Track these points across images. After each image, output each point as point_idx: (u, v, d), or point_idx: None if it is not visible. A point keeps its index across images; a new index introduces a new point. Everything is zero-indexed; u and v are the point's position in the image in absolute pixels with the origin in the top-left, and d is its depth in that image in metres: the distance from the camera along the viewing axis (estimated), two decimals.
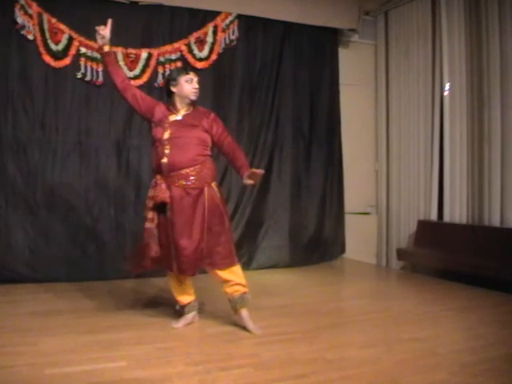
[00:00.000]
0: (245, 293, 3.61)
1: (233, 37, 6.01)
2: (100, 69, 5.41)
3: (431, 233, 5.95)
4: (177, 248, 3.49)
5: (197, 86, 3.61)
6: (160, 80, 5.66)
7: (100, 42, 3.55)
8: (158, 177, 3.53)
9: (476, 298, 4.64)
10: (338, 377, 2.80)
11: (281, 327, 3.71)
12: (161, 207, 3.52)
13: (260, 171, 3.49)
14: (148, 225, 3.56)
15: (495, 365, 2.98)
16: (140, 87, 5.54)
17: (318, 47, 6.57)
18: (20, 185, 5.18)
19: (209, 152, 3.63)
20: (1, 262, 5.02)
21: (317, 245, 6.54)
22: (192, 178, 3.49)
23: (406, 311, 4.23)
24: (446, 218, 5.93)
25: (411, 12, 6.40)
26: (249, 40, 6.17)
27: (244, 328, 3.60)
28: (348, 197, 6.82)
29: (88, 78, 5.40)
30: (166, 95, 3.71)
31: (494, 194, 5.34)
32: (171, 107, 3.63)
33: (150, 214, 3.55)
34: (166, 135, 3.50)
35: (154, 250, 3.54)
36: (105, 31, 3.55)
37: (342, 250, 6.76)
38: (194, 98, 3.60)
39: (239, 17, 6.02)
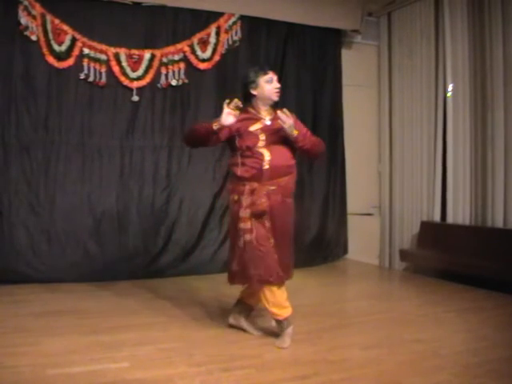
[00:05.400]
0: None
1: (236, 38, 6.00)
2: (103, 70, 5.42)
3: (434, 234, 5.94)
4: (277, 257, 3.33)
5: (278, 85, 3.44)
6: (163, 81, 5.66)
7: (227, 122, 3.23)
8: (255, 184, 3.31)
9: (479, 300, 4.64)
10: (340, 378, 2.80)
11: None
12: (258, 216, 3.31)
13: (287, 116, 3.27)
14: (247, 237, 3.29)
15: (497, 366, 2.97)
16: (143, 88, 5.60)
17: (320, 48, 6.56)
18: (23, 185, 5.19)
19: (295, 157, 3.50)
20: (4, 262, 5.03)
21: (319, 246, 6.53)
22: (289, 186, 3.40)
23: (408, 312, 4.22)
24: (449, 219, 5.91)
25: (414, 13, 6.39)
26: (252, 41, 6.16)
27: (244, 330, 3.59)
28: (351, 198, 6.82)
29: (91, 78, 5.41)
30: (244, 100, 3.45)
31: (497, 195, 5.33)
32: (253, 111, 3.44)
33: (249, 224, 3.30)
34: (261, 142, 3.33)
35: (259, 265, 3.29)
36: (236, 113, 3.26)
37: (345, 250, 6.75)
38: (276, 98, 3.44)
39: (242, 18, 6.02)
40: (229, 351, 3.20)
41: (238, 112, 3.27)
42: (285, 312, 3.35)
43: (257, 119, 3.41)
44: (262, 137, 3.34)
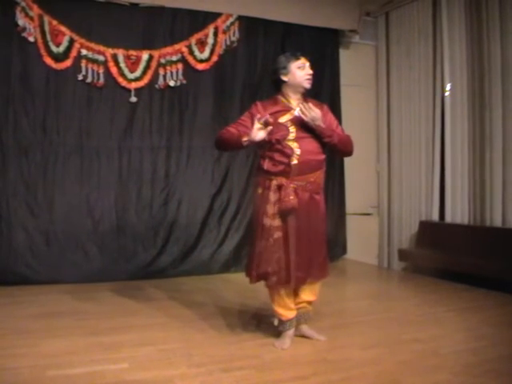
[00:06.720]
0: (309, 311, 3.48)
1: (233, 38, 6.01)
2: (101, 71, 5.43)
3: (433, 233, 5.94)
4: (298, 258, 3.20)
5: (310, 71, 3.29)
6: (161, 82, 5.66)
7: (257, 138, 3.13)
8: (283, 179, 3.18)
9: (478, 299, 4.64)
10: (339, 378, 2.80)
11: None
12: (285, 214, 3.17)
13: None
14: (279, 234, 3.17)
15: (497, 365, 2.97)
16: (141, 89, 5.60)
17: (318, 48, 6.55)
18: (21, 187, 5.19)
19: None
20: (3, 264, 5.03)
21: None
22: (318, 181, 3.27)
23: (407, 312, 4.22)
24: (448, 219, 5.92)
25: (412, 13, 6.39)
26: (249, 41, 6.16)
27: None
28: (349, 198, 6.82)
29: (89, 79, 5.41)
30: (274, 87, 3.38)
31: (496, 194, 5.33)
32: (283, 100, 3.31)
33: (278, 221, 3.18)
34: (291, 135, 3.19)
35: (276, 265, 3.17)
36: (267, 128, 3.16)
37: (344, 250, 6.75)
38: (308, 85, 3.30)
39: (240, 18, 6.02)
40: (229, 352, 3.20)
41: (268, 127, 3.17)
42: (290, 313, 3.33)
43: (286, 110, 3.27)
44: (292, 129, 3.20)
